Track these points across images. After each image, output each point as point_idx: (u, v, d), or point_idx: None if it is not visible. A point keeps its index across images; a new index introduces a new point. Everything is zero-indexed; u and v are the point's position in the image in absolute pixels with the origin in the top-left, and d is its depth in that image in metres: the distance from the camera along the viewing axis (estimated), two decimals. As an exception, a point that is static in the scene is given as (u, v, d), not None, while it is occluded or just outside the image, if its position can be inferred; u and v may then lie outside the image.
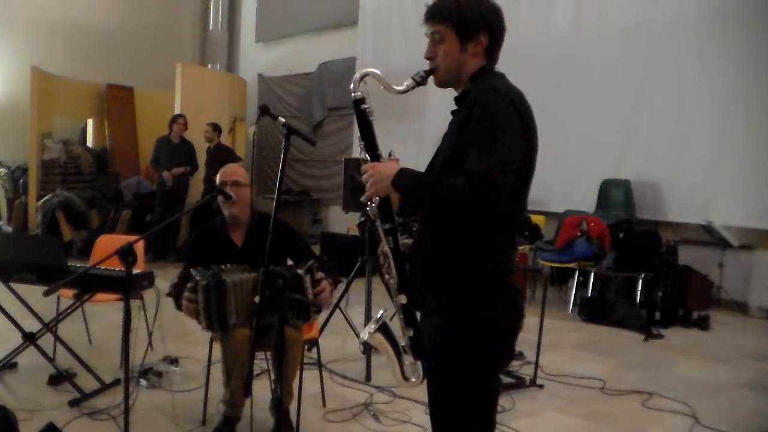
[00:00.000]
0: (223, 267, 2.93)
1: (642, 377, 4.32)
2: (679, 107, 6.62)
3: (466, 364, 1.75)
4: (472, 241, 1.74)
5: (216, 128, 8.44)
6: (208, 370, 3.30)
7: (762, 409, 3.92)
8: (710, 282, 6.40)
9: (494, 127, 1.66)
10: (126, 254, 2.49)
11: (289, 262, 3.14)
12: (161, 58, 10.72)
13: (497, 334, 1.77)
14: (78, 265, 3.78)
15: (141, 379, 3.76)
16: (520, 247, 6.17)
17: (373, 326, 1.84)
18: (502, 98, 1.70)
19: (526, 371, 4.14)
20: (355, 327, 4.53)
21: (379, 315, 1.87)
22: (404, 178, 1.73)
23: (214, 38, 12.14)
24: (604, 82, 7.10)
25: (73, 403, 3.42)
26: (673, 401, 3.86)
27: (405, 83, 1.82)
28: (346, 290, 4.53)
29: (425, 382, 1.85)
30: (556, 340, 4.98)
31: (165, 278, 3.74)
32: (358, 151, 1.85)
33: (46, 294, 2.61)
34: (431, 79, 1.85)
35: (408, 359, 1.84)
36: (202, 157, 8.42)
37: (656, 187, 6.83)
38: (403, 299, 1.82)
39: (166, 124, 8.37)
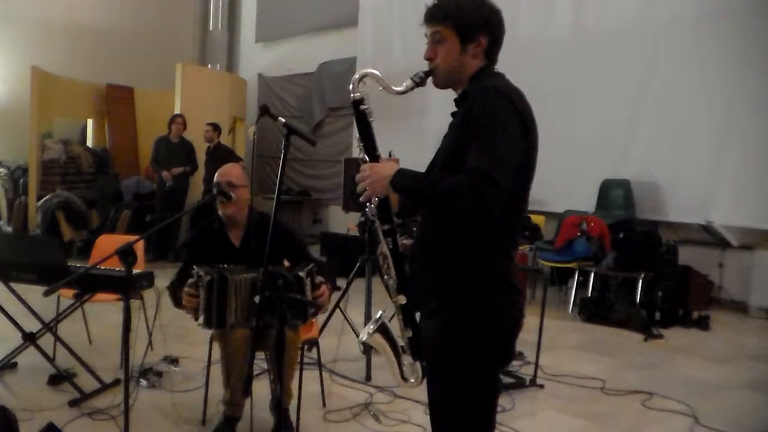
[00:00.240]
0: (225, 266, 2.94)
1: (642, 377, 4.32)
2: (679, 107, 6.62)
3: (466, 365, 1.75)
4: (472, 241, 1.74)
5: (216, 128, 8.45)
6: (208, 370, 3.30)
7: (762, 409, 3.92)
8: (710, 282, 6.39)
9: (494, 126, 1.66)
10: (126, 254, 2.49)
11: (286, 264, 3.15)
12: (161, 58, 10.71)
13: (497, 334, 1.77)
14: (78, 265, 3.78)
15: (141, 379, 3.76)
16: (520, 247, 6.17)
17: (372, 327, 1.84)
18: (501, 97, 1.70)
19: (526, 371, 4.14)
20: (355, 327, 4.53)
21: (378, 315, 1.87)
22: (403, 177, 1.73)
23: (214, 38, 12.13)
24: (604, 82, 7.09)
25: (73, 403, 3.42)
26: (673, 401, 3.86)
27: (404, 84, 1.82)
28: (345, 290, 4.52)
29: (425, 382, 1.85)
30: (556, 340, 4.98)
31: (165, 278, 3.74)
32: (357, 152, 1.85)
33: (46, 294, 2.61)
34: (431, 79, 1.85)
35: (407, 360, 1.84)
36: (201, 157, 8.43)
37: (656, 187, 6.83)
38: (402, 300, 1.82)
39: (166, 124, 8.38)
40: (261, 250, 2.54)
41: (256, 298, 2.48)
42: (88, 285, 3.53)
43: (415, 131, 8.40)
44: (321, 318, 3.95)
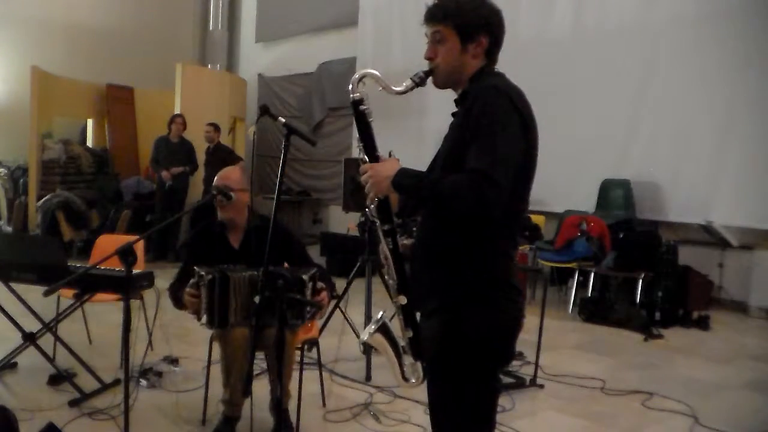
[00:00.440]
0: (225, 266, 2.94)
1: (642, 377, 4.32)
2: (679, 107, 6.62)
3: (466, 365, 1.75)
4: (473, 241, 1.74)
5: (217, 129, 8.46)
6: (208, 370, 3.30)
7: (762, 409, 3.92)
8: (710, 282, 6.39)
9: (494, 125, 1.65)
10: (126, 254, 2.49)
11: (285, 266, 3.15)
12: (161, 58, 10.71)
13: (497, 334, 1.77)
14: (78, 265, 3.78)
15: (141, 379, 3.76)
16: (520, 247, 6.17)
17: (372, 327, 1.84)
18: (501, 96, 1.70)
19: (526, 371, 4.14)
20: (355, 327, 4.53)
21: (378, 316, 1.86)
22: (404, 177, 1.72)
23: (214, 38, 12.13)
24: (604, 82, 7.09)
25: (73, 403, 3.42)
26: (673, 401, 3.86)
27: (404, 84, 1.81)
28: (346, 290, 4.53)
29: (425, 382, 1.85)
30: (556, 340, 4.98)
31: (165, 278, 3.74)
32: (357, 152, 1.85)
33: (46, 294, 2.61)
34: (430, 79, 1.85)
35: (408, 360, 1.84)
36: (201, 157, 8.43)
37: (656, 187, 6.83)
38: (402, 300, 1.82)
39: (166, 124, 8.38)
40: (261, 253, 2.54)
41: (256, 298, 2.48)
42: (88, 285, 3.53)
43: (415, 131, 8.40)
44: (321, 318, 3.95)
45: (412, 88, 1.82)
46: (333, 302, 4.11)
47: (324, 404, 3.60)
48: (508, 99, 1.70)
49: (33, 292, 3.30)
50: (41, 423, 2.95)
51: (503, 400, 3.51)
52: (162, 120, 8.63)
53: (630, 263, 6.03)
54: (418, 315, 1.86)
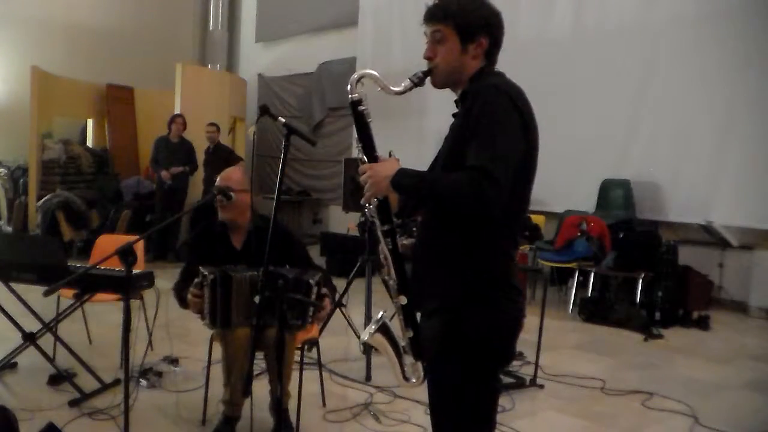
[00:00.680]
0: (228, 267, 2.94)
1: (642, 377, 4.32)
2: (679, 107, 6.62)
3: (466, 365, 1.75)
4: (473, 241, 1.74)
5: (217, 129, 8.46)
6: (208, 370, 3.30)
7: (762, 409, 3.92)
8: (710, 282, 6.39)
9: (493, 123, 1.65)
10: (126, 254, 2.49)
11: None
12: (161, 58, 10.71)
13: (498, 334, 1.77)
14: (78, 265, 3.78)
15: (141, 379, 3.76)
16: (520, 247, 6.17)
17: (373, 327, 1.83)
18: (500, 94, 1.70)
19: (526, 371, 4.14)
20: (355, 327, 4.53)
21: (379, 316, 1.86)
22: (403, 177, 1.72)
23: (214, 38, 12.14)
24: (604, 82, 7.10)
25: (73, 403, 3.42)
26: (673, 401, 3.86)
27: (402, 84, 1.81)
28: (346, 290, 4.53)
29: (426, 382, 1.85)
30: (556, 340, 4.98)
31: (165, 278, 3.75)
32: (357, 152, 1.85)
33: (46, 294, 2.61)
34: (430, 79, 1.85)
35: (408, 360, 1.83)
36: (201, 157, 8.43)
37: (656, 187, 6.83)
38: (403, 300, 1.82)
39: (166, 124, 8.38)
40: (262, 253, 2.54)
41: (256, 298, 2.48)
42: (88, 285, 3.53)
43: (416, 132, 8.40)
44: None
45: (410, 89, 1.82)
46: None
47: (324, 404, 3.60)
48: (508, 98, 1.70)
49: (33, 292, 3.30)
50: (41, 423, 2.94)
51: (503, 400, 3.51)
52: (162, 120, 8.63)
53: (630, 263, 6.03)
54: (418, 315, 1.86)
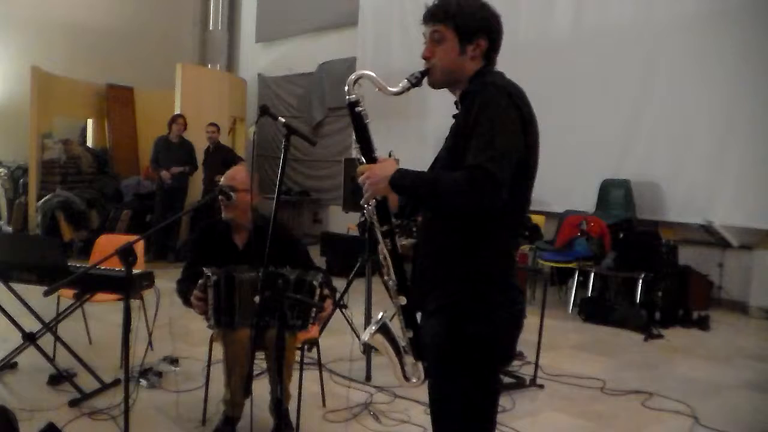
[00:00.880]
0: (232, 267, 2.94)
1: (642, 377, 4.32)
2: (679, 107, 6.62)
3: (466, 364, 1.75)
4: (473, 241, 1.74)
5: (218, 129, 8.46)
6: (208, 370, 3.30)
7: (762, 409, 3.92)
8: (710, 282, 6.40)
9: (493, 123, 1.65)
10: (126, 254, 2.49)
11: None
12: (161, 58, 10.71)
13: (498, 334, 1.77)
14: (78, 265, 3.78)
15: (141, 379, 3.76)
16: (520, 247, 6.18)
17: (373, 327, 1.84)
18: (500, 93, 1.70)
19: (526, 371, 4.14)
20: (355, 327, 4.53)
21: (379, 316, 1.86)
22: (402, 177, 1.72)
23: (214, 38, 12.14)
24: (604, 82, 7.09)
25: (73, 403, 3.42)
26: (673, 401, 3.86)
27: (400, 84, 1.81)
28: (346, 290, 4.53)
29: (426, 382, 1.85)
30: (556, 340, 4.98)
31: (165, 278, 3.75)
32: (356, 153, 1.85)
33: (46, 294, 2.61)
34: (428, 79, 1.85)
35: (409, 360, 1.84)
36: (201, 157, 8.42)
37: (656, 187, 6.83)
38: (402, 300, 1.82)
39: (166, 124, 8.38)
40: (264, 253, 2.54)
41: (256, 298, 2.48)
42: (88, 285, 3.53)
43: (416, 132, 8.40)
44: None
45: (408, 89, 1.82)
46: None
47: (324, 404, 3.60)
48: (508, 96, 1.70)
49: (33, 292, 3.30)
50: (41, 423, 2.95)
51: (503, 400, 3.50)
52: (162, 120, 8.63)
53: (630, 263, 6.03)
54: (419, 315, 1.86)
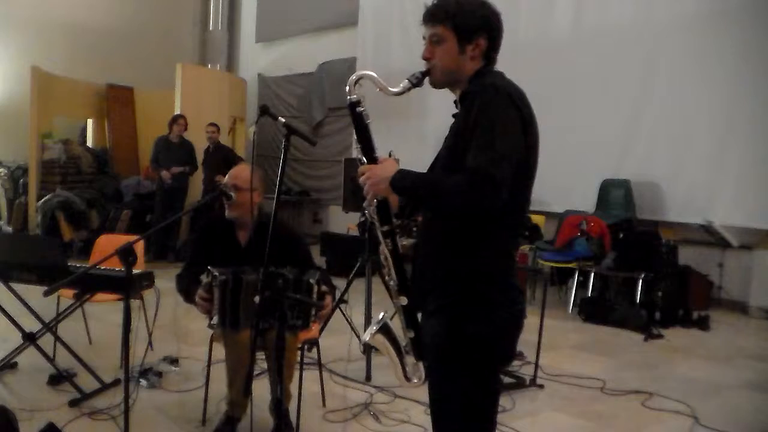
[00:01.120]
0: (239, 268, 2.94)
1: (642, 377, 4.32)
2: (679, 107, 6.62)
3: (466, 364, 1.75)
4: (474, 241, 1.74)
5: (218, 129, 8.46)
6: (208, 370, 3.30)
7: (762, 409, 3.92)
8: (710, 282, 6.40)
9: (493, 124, 1.65)
10: (126, 254, 2.49)
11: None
12: (161, 58, 10.72)
13: (498, 334, 1.77)
14: (78, 265, 3.78)
15: (141, 379, 3.76)
16: (520, 247, 6.17)
17: (374, 327, 1.84)
18: (500, 94, 1.70)
19: (526, 371, 4.14)
20: (355, 327, 4.53)
21: (380, 316, 1.87)
22: (403, 178, 1.72)
23: (214, 38, 12.14)
24: (604, 82, 7.10)
25: (73, 403, 3.42)
26: (673, 401, 3.86)
27: (401, 85, 1.81)
28: (346, 290, 4.53)
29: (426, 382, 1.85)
30: (556, 340, 4.98)
31: (165, 278, 3.75)
32: (357, 153, 1.85)
33: (46, 294, 2.61)
34: (428, 80, 1.85)
35: (410, 360, 1.84)
36: (201, 157, 8.42)
37: (656, 187, 6.83)
38: (403, 301, 1.82)
39: (166, 124, 8.38)
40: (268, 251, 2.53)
41: (256, 298, 2.48)
42: (88, 285, 3.53)
43: (416, 132, 8.40)
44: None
45: (408, 89, 1.82)
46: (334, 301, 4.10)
47: (324, 404, 3.60)
48: (508, 97, 1.70)
49: (33, 292, 3.30)
50: (41, 423, 2.95)
51: (503, 400, 3.50)
52: (162, 120, 8.63)
53: (630, 263, 6.03)
54: (419, 315, 1.86)
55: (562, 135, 6.54)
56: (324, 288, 3.03)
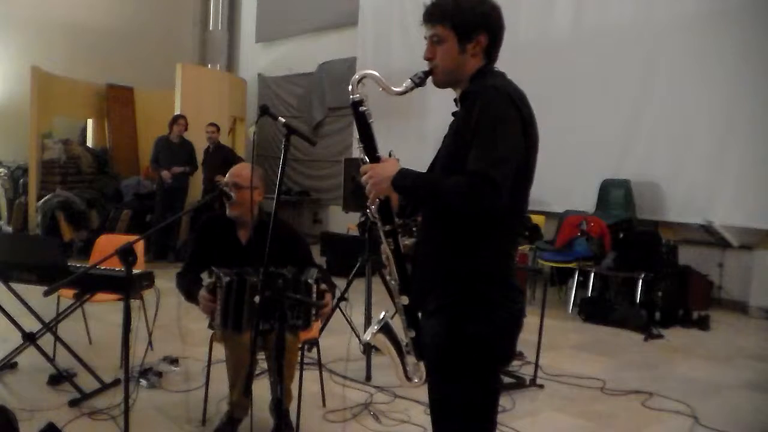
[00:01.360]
0: (243, 270, 2.94)
1: (642, 377, 4.32)
2: (679, 107, 6.62)
3: (466, 364, 1.75)
4: (473, 241, 1.74)
5: (218, 129, 8.47)
6: (208, 370, 3.30)
7: (762, 409, 3.92)
8: (710, 282, 6.40)
9: (494, 125, 1.66)
10: (126, 254, 2.49)
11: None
12: (161, 58, 10.72)
13: (498, 334, 1.77)
14: (78, 265, 3.78)
15: (141, 379, 3.76)
16: (520, 247, 6.17)
17: (375, 327, 1.84)
18: (501, 96, 1.70)
19: (526, 371, 4.14)
20: (355, 327, 4.53)
21: (381, 316, 1.87)
22: (404, 178, 1.72)
23: (214, 38, 12.14)
24: (604, 82, 7.09)
25: (73, 403, 3.42)
26: (673, 401, 3.86)
27: (403, 84, 1.81)
28: (346, 290, 4.53)
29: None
30: (556, 340, 4.98)
31: (165, 278, 3.75)
32: (357, 152, 1.85)
33: (46, 294, 2.61)
34: (431, 79, 1.85)
35: (411, 360, 1.84)
36: (200, 157, 8.42)
37: (656, 187, 6.83)
38: (405, 300, 1.82)
39: (166, 124, 8.38)
40: (268, 250, 2.53)
41: (256, 299, 2.48)
42: (88, 285, 3.53)
43: (416, 132, 8.39)
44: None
45: (411, 89, 1.82)
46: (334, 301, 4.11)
47: (324, 404, 3.60)
48: (509, 99, 1.70)
49: (33, 292, 3.30)
50: (41, 423, 2.95)
51: (503, 400, 3.50)
52: (162, 120, 8.63)
53: (630, 263, 6.03)
54: (420, 315, 1.86)
55: (562, 135, 6.54)
56: (323, 286, 3.03)
